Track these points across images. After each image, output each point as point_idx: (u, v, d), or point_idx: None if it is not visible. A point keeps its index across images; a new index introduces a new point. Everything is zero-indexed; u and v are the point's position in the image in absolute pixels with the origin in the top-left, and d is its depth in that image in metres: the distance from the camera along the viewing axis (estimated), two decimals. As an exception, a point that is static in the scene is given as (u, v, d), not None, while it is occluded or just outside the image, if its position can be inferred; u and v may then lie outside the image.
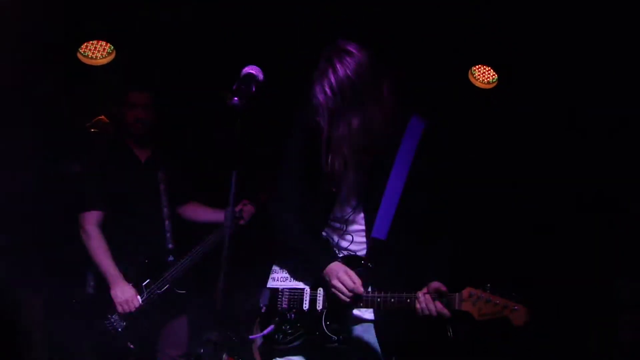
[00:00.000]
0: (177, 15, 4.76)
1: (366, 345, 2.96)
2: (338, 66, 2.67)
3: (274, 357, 2.96)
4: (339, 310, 2.87)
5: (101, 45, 5.02)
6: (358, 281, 2.78)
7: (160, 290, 4.05)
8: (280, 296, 2.99)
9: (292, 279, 3.01)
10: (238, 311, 4.09)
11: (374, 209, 2.89)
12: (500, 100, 5.28)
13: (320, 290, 2.92)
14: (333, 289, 2.80)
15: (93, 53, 5.02)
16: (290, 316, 2.93)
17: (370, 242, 2.90)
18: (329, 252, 2.93)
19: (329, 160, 2.79)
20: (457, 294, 2.69)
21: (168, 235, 4.19)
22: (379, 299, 2.78)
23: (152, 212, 4.18)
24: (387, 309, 2.81)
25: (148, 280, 4.04)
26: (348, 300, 2.78)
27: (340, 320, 2.89)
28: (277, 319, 2.94)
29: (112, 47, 5.02)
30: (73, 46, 4.92)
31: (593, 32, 4.61)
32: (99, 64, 5.03)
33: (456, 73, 5.30)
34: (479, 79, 5.35)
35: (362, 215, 2.95)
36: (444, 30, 4.92)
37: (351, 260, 2.90)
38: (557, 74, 5.00)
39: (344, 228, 2.97)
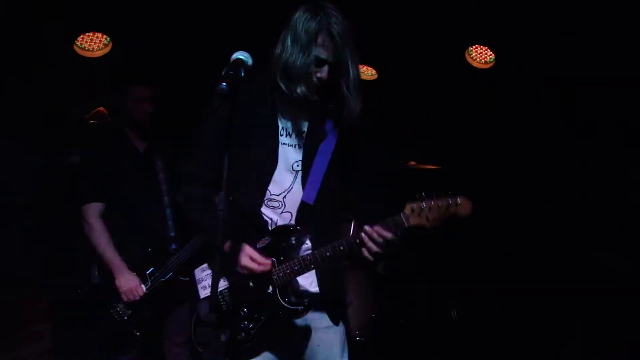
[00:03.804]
0: (168, 4, 4.77)
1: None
2: (333, 21, 2.72)
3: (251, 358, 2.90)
4: (289, 283, 2.86)
5: (97, 37, 5.04)
6: (261, 259, 2.80)
7: (164, 278, 4.08)
8: (221, 299, 2.93)
9: (224, 278, 2.95)
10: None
11: (307, 179, 2.90)
12: (498, 80, 5.28)
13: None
14: (242, 271, 2.80)
15: (89, 45, 5.04)
16: (244, 312, 2.88)
17: (299, 205, 2.90)
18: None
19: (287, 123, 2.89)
20: (400, 214, 2.69)
21: (170, 223, 4.20)
22: (315, 257, 2.78)
23: (153, 201, 4.20)
24: (326, 266, 2.82)
25: (152, 269, 4.07)
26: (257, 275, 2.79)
27: (296, 292, 2.90)
28: (230, 322, 2.86)
29: (109, 38, 5.03)
30: (70, 38, 4.94)
31: (592, 9, 4.59)
32: (95, 56, 5.06)
33: (453, 53, 5.30)
34: (476, 59, 5.35)
35: (300, 189, 2.94)
36: (440, 9, 4.91)
37: (280, 231, 2.90)
38: (555, 53, 4.99)
39: (282, 207, 2.94)
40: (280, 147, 2.91)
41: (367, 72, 5.85)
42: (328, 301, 2.98)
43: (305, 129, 2.94)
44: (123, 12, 4.84)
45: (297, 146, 2.93)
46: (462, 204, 2.62)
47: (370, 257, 2.71)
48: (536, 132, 5.37)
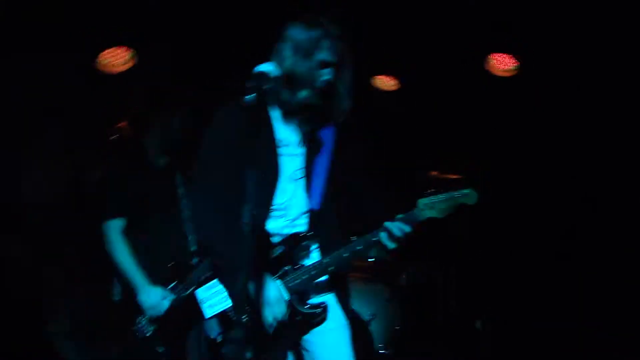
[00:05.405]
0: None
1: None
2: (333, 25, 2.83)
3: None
4: (306, 289, 2.90)
5: (121, 51, 5.08)
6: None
7: (186, 292, 4.08)
8: (231, 315, 2.94)
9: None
10: None
11: (310, 185, 2.95)
12: (519, 88, 5.24)
13: (278, 282, 2.89)
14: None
15: (113, 60, 5.09)
16: (259, 324, 2.83)
17: (307, 212, 2.95)
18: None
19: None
20: (413, 210, 2.84)
21: (190, 237, 4.22)
22: (335, 258, 2.85)
23: (174, 216, 4.21)
24: (345, 267, 2.93)
25: (174, 283, 4.08)
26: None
27: (311, 295, 2.93)
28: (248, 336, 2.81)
29: (132, 53, 5.07)
30: (94, 53, 5.00)
31: (614, 15, 4.54)
32: (118, 71, 5.10)
33: (474, 61, 5.27)
34: (497, 67, 5.31)
35: (302, 196, 2.97)
36: (461, 17, 4.89)
37: (292, 239, 2.92)
38: (579, 60, 4.94)
39: (285, 215, 2.96)
40: (280, 158, 2.94)
41: (388, 83, 5.83)
42: (335, 286, 3.00)
43: (302, 136, 2.98)
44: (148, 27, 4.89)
45: (296, 155, 2.97)
46: (469, 194, 2.84)
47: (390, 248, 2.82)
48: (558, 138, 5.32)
